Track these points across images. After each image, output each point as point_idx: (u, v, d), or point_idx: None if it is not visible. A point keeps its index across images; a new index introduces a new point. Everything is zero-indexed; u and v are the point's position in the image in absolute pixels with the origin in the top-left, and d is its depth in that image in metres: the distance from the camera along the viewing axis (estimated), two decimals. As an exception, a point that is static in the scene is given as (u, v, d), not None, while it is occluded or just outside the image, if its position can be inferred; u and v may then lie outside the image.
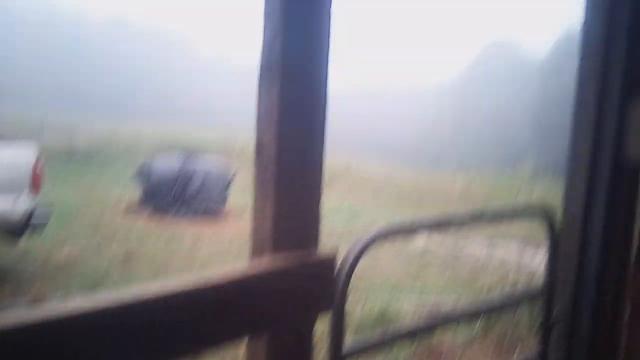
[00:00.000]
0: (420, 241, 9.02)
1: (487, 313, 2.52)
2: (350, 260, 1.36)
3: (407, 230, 1.69)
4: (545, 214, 2.06)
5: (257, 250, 1.25)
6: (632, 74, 1.98)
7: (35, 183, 6.36)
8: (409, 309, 5.96)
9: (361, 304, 5.79)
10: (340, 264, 1.34)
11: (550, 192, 14.82)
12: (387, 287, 6.77)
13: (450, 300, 6.37)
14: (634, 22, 1.96)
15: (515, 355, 4.84)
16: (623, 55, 1.96)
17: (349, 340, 1.39)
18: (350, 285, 1.33)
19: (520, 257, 8.69)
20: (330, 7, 1.23)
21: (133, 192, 11.29)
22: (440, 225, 1.80)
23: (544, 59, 27.06)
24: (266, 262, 1.20)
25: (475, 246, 9.25)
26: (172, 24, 52.16)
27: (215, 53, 48.69)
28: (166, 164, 11.18)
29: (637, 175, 2.01)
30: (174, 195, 10.71)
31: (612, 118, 1.99)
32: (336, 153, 14.16)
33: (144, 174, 11.06)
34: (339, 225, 9.71)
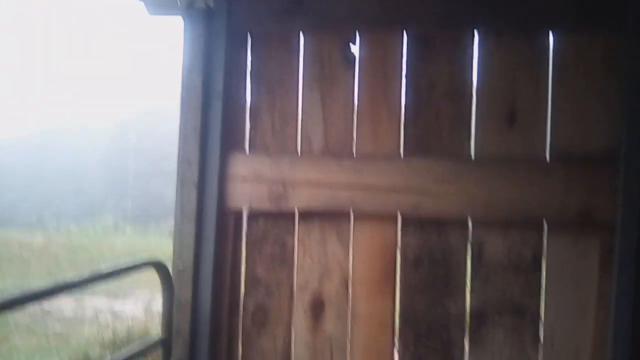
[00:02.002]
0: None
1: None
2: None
3: (15, 304, 1.50)
4: (158, 267, 2.11)
5: None
6: (228, 132, 2.24)
7: None
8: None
9: None
10: None
11: (134, 241, 15.01)
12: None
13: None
14: (227, 87, 2.23)
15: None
16: (220, 116, 2.20)
17: None
18: None
19: (112, 310, 8.63)
20: None
21: None
22: (55, 291, 1.64)
23: (116, 120, 27.84)
24: None
25: (64, 304, 8.73)
26: None
27: None
28: None
29: (240, 218, 2.26)
30: None
31: (214, 169, 2.19)
32: None
33: None
34: None
